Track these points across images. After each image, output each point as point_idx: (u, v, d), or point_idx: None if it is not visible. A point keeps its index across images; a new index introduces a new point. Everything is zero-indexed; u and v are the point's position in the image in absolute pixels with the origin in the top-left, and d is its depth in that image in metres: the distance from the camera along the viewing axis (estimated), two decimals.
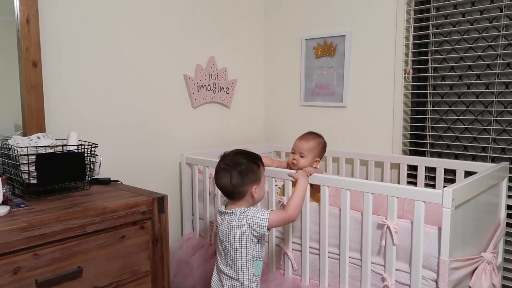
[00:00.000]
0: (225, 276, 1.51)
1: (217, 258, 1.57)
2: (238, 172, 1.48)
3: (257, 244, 1.49)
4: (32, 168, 1.49)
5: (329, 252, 1.70)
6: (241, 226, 1.46)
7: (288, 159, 2.02)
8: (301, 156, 1.94)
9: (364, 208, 1.56)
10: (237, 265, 1.47)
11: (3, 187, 1.36)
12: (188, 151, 2.37)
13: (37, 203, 1.47)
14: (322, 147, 2.00)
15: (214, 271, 1.59)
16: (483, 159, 2.09)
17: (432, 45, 2.22)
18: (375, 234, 1.55)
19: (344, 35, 2.43)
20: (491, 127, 2.04)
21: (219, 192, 2.06)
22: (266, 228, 1.45)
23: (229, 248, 1.48)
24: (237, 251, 1.46)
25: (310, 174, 1.71)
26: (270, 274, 1.87)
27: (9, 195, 1.51)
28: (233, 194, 1.51)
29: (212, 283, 1.58)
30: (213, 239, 2.16)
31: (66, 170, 1.57)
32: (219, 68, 2.56)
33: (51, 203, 1.47)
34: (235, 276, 1.47)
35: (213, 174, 2.03)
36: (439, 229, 1.38)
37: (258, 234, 1.47)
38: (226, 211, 1.51)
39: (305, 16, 2.64)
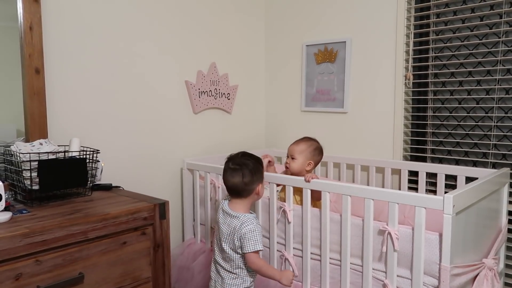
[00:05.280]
0: (222, 269, 1.62)
1: (215, 250, 1.67)
2: (249, 170, 1.58)
3: None
4: (34, 174, 1.50)
5: (330, 258, 1.70)
6: (236, 232, 1.56)
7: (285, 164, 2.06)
8: (292, 159, 1.98)
9: (365, 214, 1.56)
10: (232, 262, 1.59)
11: (5, 193, 1.36)
12: (189, 156, 2.38)
13: (39, 209, 1.47)
14: (314, 150, 2.01)
15: (212, 262, 1.69)
16: (484, 165, 2.08)
17: (432, 51, 2.23)
18: (376, 240, 1.55)
19: (345, 41, 2.44)
20: (492, 133, 2.05)
21: (220, 197, 2.07)
22: (242, 253, 1.55)
23: (225, 246, 1.59)
24: (232, 251, 1.58)
25: (309, 181, 1.72)
26: (271, 281, 1.86)
27: (11, 201, 1.51)
28: (242, 192, 1.60)
29: (211, 273, 1.69)
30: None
31: (68, 176, 1.57)
32: (220, 74, 2.58)
33: (53, 209, 1.47)
34: (232, 270, 1.60)
35: (214, 180, 2.05)
36: (440, 235, 1.38)
37: (238, 247, 1.56)
38: (230, 212, 1.59)
39: (306, 22, 2.65)
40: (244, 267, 1.59)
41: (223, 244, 1.60)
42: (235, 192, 1.61)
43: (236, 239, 1.55)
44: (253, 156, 1.67)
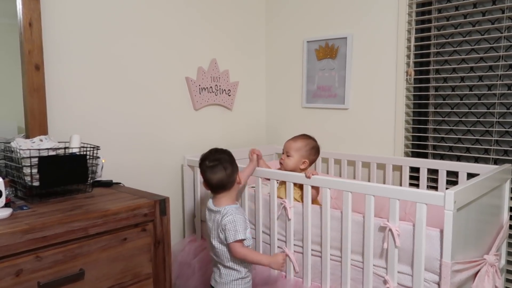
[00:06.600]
0: (218, 263, 1.67)
1: (210, 248, 1.71)
2: (228, 162, 1.65)
3: None
4: (35, 170, 1.49)
5: (331, 255, 1.70)
6: (219, 226, 1.60)
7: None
8: (288, 156, 1.97)
9: (365, 211, 1.56)
10: (222, 255, 1.63)
11: (5, 190, 1.36)
12: (190, 153, 2.37)
13: (40, 205, 1.47)
14: (311, 149, 1.99)
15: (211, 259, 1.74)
16: (486, 161, 2.08)
17: (434, 46, 2.22)
18: (377, 236, 1.55)
19: (346, 37, 2.43)
20: (494, 129, 2.04)
21: None
22: (227, 243, 1.57)
23: (214, 242, 1.64)
24: (220, 244, 1.62)
25: (309, 177, 1.71)
26: (271, 277, 1.87)
27: (11, 198, 1.52)
28: (227, 185, 1.64)
29: (212, 265, 1.74)
30: None
31: (69, 173, 1.57)
32: (220, 71, 2.57)
33: (54, 206, 1.47)
34: (225, 264, 1.63)
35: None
36: (441, 232, 1.38)
37: (224, 239, 1.59)
38: (213, 209, 1.65)
39: (306, 19, 2.64)
40: (234, 258, 1.61)
41: (211, 240, 1.65)
42: (220, 187, 1.64)
43: (220, 232, 1.59)
44: (223, 149, 1.73)
